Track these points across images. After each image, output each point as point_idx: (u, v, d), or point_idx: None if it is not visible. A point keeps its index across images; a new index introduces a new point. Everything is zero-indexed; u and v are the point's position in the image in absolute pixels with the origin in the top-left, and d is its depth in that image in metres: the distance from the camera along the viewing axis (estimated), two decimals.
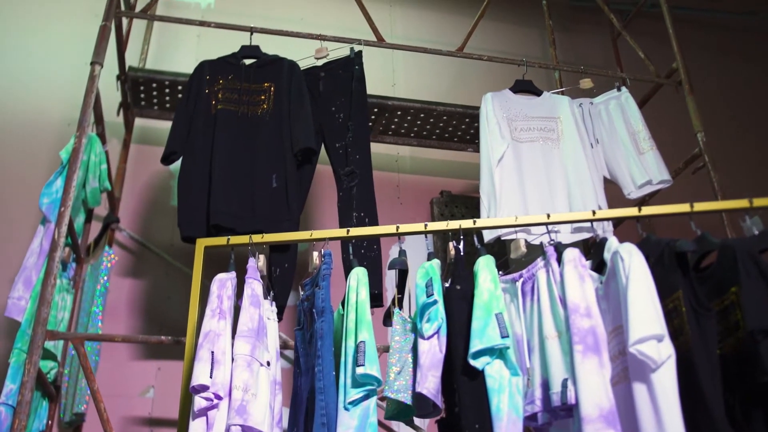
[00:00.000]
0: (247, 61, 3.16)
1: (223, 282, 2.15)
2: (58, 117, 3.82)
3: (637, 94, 3.70)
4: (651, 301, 1.94)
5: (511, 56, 3.57)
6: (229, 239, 2.38)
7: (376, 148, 4.26)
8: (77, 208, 2.93)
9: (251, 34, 3.21)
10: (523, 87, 3.46)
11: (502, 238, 3.06)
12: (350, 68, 3.15)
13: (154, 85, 3.61)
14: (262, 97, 3.02)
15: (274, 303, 2.39)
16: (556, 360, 2.02)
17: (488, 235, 2.98)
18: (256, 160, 2.88)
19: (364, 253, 2.77)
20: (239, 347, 2.02)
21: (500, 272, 2.35)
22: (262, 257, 2.34)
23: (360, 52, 3.21)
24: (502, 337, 1.92)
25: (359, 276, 2.11)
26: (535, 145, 3.28)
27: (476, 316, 1.97)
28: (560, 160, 3.26)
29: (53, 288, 2.47)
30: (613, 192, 3.34)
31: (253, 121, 2.97)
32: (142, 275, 3.71)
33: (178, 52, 4.33)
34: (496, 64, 3.72)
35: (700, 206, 2.30)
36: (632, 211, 2.31)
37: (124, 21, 3.41)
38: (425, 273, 2.09)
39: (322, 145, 3.09)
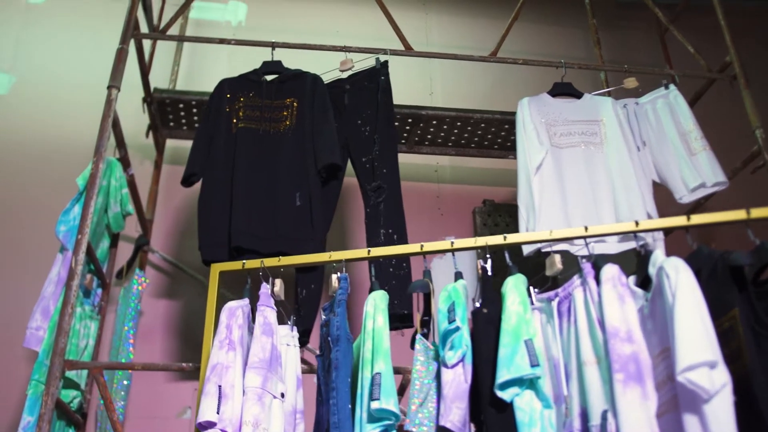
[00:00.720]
0: (270, 77, 3.05)
1: (233, 311, 2.03)
2: (83, 142, 3.79)
3: (689, 91, 3.45)
4: (701, 322, 1.73)
5: (557, 59, 3.35)
6: (244, 263, 2.26)
7: (414, 159, 4.14)
8: (100, 233, 2.87)
9: (272, 49, 3.10)
10: (563, 90, 3.25)
11: (543, 250, 2.87)
12: (376, 79, 3.01)
13: (181, 105, 3.55)
14: (285, 114, 2.91)
15: (295, 328, 2.26)
16: (596, 389, 1.82)
17: (528, 248, 2.79)
18: (278, 178, 2.76)
19: (393, 272, 2.62)
20: (250, 380, 1.90)
21: (536, 290, 2.17)
22: (278, 281, 2.21)
23: (386, 62, 3.07)
24: (532, 366, 1.73)
25: (376, 301, 1.96)
26: (576, 150, 3.08)
27: (503, 343, 1.79)
28: (604, 165, 3.04)
29: (71, 317, 2.40)
30: (665, 196, 3.11)
31: (275, 139, 2.85)
32: (176, 297, 3.65)
33: (210, 72, 4.25)
34: (537, 68, 3.53)
35: (758, 212, 2.07)
36: (679, 221, 2.09)
37: (147, 43, 3.35)
38: (447, 297, 1.93)
39: (349, 161, 2.96)
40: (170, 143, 3.85)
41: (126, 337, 3.03)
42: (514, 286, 1.90)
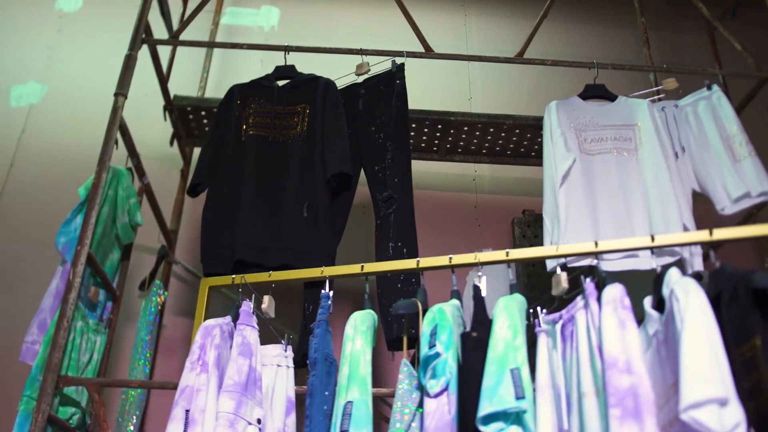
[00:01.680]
0: (282, 83, 2.95)
1: (209, 330, 1.92)
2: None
3: (740, 92, 3.18)
4: (711, 352, 1.53)
5: (609, 61, 3.10)
6: (234, 278, 2.15)
7: (451, 168, 3.97)
8: (109, 244, 2.81)
9: (285, 53, 3.00)
10: (595, 92, 3.04)
11: (570, 266, 2.66)
12: (392, 83, 2.86)
13: (203, 113, 3.49)
14: (295, 120, 2.80)
15: (289, 347, 2.13)
16: (593, 423, 1.63)
17: (551, 264, 2.58)
18: (285, 188, 2.65)
19: (401, 288, 2.46)
20: (222, 404, 1.78)
21: (544, 311, 1.99)
22: (267, 298, 2.10)
23: (402, 65, 2.92)
24: (517, 399, 1.55)
25: (356, 322, 1.82)
26: (608, 157, 2.85)
27: (488, 372, 1.62)
28: (639, 173, 2.81)
29: (66, 331, 2.33)
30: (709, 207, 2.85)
31: (285, 146, 2.75)
32: None
33: (242, 78, 4.19)
34: (583, 72, 3.29)
35: None
36: (700, 236, 1.88)
37: (164, 49, 3.29)
38: (431, 319, 1.76)
39: (362, 170, 2.82)
40: (198, 152, 3.80)
41: (141, 352, 2.97)
42: (505, 308, 1.72)
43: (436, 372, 1.68)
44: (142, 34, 2.94)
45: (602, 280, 1.80)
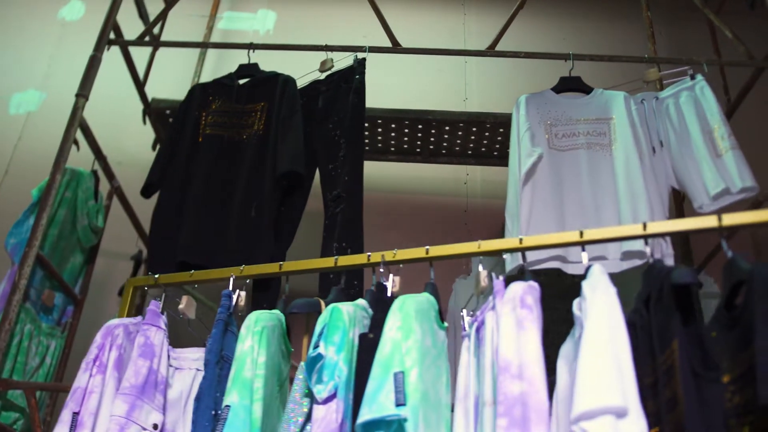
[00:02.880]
0: (244, 81, 2.89)
1: (110, 329, 1.86)
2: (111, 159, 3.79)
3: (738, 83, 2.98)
4: (610, 357, 1.39)
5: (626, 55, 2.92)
6: (157, 277, 2.10)
7: (441, 172, 3.85)
8: (70, 248, 2.80)
9: (249, 51, 2.95)
10: (569, 85, 2.88)
11: (531, 268, 2.52)
12: (352, 79, 2.77)
13: None
14: (253, 119, 2.74)
15: None
16: None
17: (511, 264, 2.44)
18: (236, 188, 2.59)
19: (345, 290, 2.36)
20: (115, 407, 1.72)
21: (471, 312, 1.87)
22: (185, 298, 2.03)
23: (363, 60, 2.82)
24: (397, 406, 1.43)
25: (250, 322, 1.73)
26: (579, 153, 2.70)
27: (372, 376, 1.50)
28: (611, 169, 2.64)
29: (7, 334, 2.31)
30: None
31: (240, 146, 2.69)
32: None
33: None
34: (594, 66, 3.12)
35: None
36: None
37: (136, 51, 3.27)
38: (323, 319, 1.66)
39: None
40: None
41: None
42: (399, 308, 1.60)
43: (323, 376, 1.58)
44: (108, 36, 2.93)
45: (514, 276, 1.66)
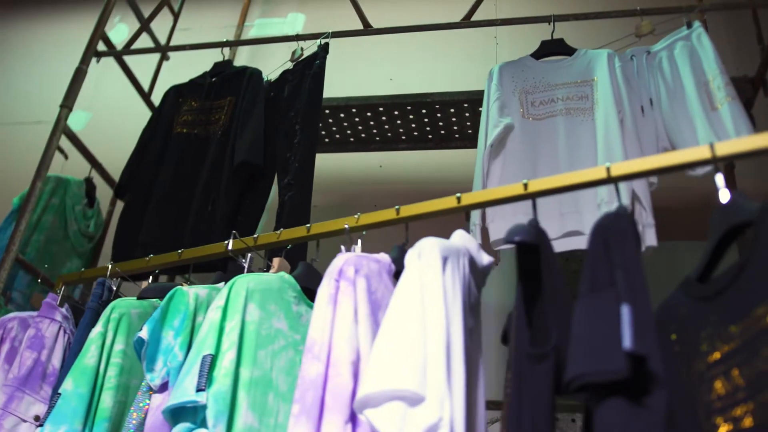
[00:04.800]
0: (215, 79, 2.88)
1: (4, 323, 1.88)
2: None
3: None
4: (410, 336, 1.19)
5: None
6: (83, 271, 2.10)
7: (454, 158, 3.64)
8: (63, 253, 2.89)
9: (222, 49, 2.93)
10: (550, 49, 2.62)
11: (497, 248, 2.31)
12: (314, 65, 2.68)
13: None
14: (219, 115, 2.71)
15: None
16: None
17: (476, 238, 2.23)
18: (197, 183, 2.57)
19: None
20: None
21: None
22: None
23: (326, 45, 2.72)
24: (198, 391, 1.31)
25: (107, 310, 1.67)
26: (556, 120, 2.44)
27: (187, 359, 1.40)
28: (592, 135, 2.37)
29: None
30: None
31: (206, 141, 2.67)
32: None
33: None
34: (576, 28, 2.83)
35: None
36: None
37: (140, 59, 3.36)
38: (163, 302, 1.57)
39: None
40: None
41: None
42: (229, 287, 1.48)
43: (157, 362, 1.49)
44: (95, 47, 3.02)
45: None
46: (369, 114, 3.28)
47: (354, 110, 3.24)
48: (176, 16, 3.65)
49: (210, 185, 2.54)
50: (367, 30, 2.81)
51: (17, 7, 5.10)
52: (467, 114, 3.21)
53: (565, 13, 2.64)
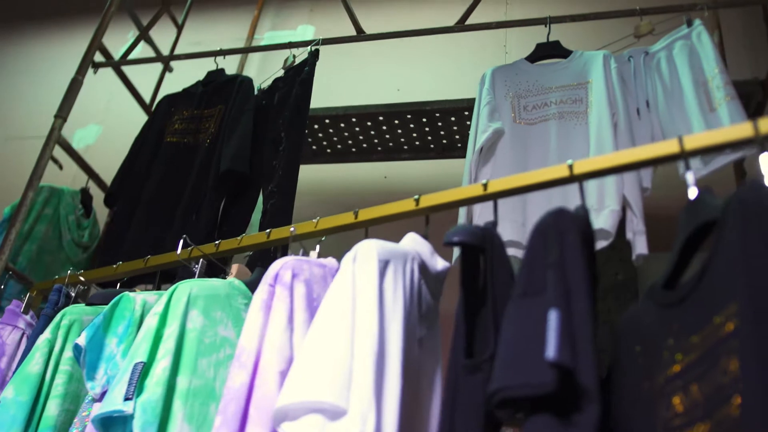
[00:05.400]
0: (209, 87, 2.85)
1: None
2: None
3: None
4: (336, 344, 1.11)
5: None
6: (56, 279, 2.07)
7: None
8: (58, 263, 2.87)
9: (215, 58, 2.90)
10: (545, 52, 2.52)
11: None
12: (302, 72, 2.63)
13: None
14: (208, 123, 2.68)
15: None
16: None
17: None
18: (183, 193, 2.53)
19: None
20: None
21: None
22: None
23: (316, 51, 2.67)
24: (125, 400, 1.25)
25: (57, 317, 1.62)
26: (548, 124, 2.34)
27: (121, 367, 1.33)
28: (585, 139, 2.26)
29: None
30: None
31: (194, 150, 2.63)
32: None
33: None
34: (574, 30, 2.74)
35: None
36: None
37: (147, 73, 3.35)
38: (108, 308, 1.51)
39: None
40: None
41: None
42: (170, 293, 1.41)
43: (98, 371, 1.43)
44: (92, 58, 3.01)
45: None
46: (369, 123, 3.22)
47: (354, 119, 3.18)
48: (179, 28, 3.65)
49: (195, 194, 2.50)
50: (360, 36, 2.75)
51: (19, 22, 5.18)
52: (468, 122, 3.11)
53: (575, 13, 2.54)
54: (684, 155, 1.24)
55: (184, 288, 1.42)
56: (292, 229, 1.57)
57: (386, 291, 1.19)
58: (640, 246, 2.02)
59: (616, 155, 1.29)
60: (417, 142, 3.34)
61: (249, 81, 2.72)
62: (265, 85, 2.79)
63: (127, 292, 1.54)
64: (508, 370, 0.91)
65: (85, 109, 4.41)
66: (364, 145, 3.39)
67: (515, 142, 2.33)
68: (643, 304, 1.26)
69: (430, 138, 3.30)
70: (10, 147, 4.37)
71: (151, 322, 1.36)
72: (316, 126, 3.23)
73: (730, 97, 2.09)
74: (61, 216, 2.88)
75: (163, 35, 3.80)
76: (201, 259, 1.68)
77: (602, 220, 2.03)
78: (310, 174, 3.67)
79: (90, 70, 3.01)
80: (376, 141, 3.34)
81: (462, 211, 2.27)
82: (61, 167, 2.84)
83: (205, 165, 2.54)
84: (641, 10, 2.45)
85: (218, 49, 3.06)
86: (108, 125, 4.37)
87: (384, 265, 1.21)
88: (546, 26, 2.55)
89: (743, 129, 1.19)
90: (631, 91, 2.31)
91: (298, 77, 2.63)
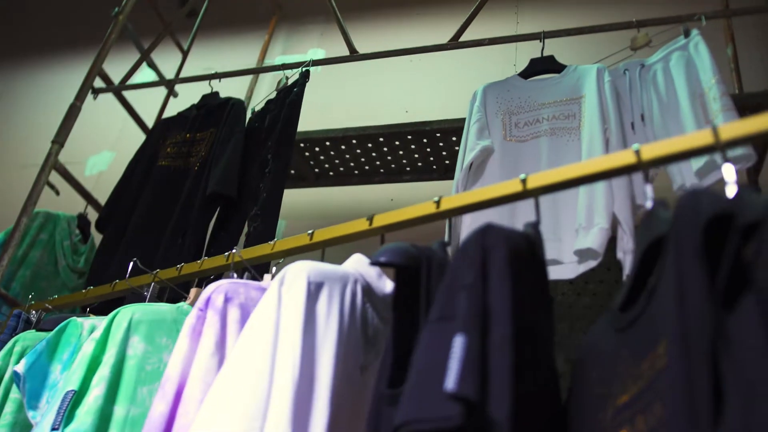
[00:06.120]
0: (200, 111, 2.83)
1: None
2: None
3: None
4: (249, 372, 1.05)
5: None
6: (34, 303, 2.04)
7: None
8: (54, 288, 2.86)
9: (210, 81, 2.88)
10: (539, 67, 2.44)
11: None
12: (292, 93, 2.59)
13: None
14: (199, 147, 2.65)
15: None
16: None
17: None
18: (172, 217, 2.50)
19: None
20: None
21: None
22: None
23: (307, 72, 2.63)
24: (52, 430, 1.19)
25: (9, 342, 1.58)
26: (540, 141, 2.26)
27: (54, 396, 1.28)
28: (578, 155, 2.17)
29: None
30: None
31: (185, 175, 2.61)
32: None
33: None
34: (571, 44, 2.66)
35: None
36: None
37: (152, 96, 3.36)
38: (54, 333, 1.47)
39: None
40: None
41: None
42: (110, 318, 1.36)
43: (41, 399, 1.38)
44: (92, 83, 3.02)
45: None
46: (370, 145, 3.16)
47: (354, 141, 3.13)
48: (185, 53, 3.65)
49: (183, 218, 2.46)
50: (353, 56, 2.71)
51: (23, 51, 5.29)
52: None
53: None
54: (641, 166, 1.15)
55: (125, 313, 1.37)
56: (234, 250, 1.52)
57: (318, 315, 1.11)
58: (629, 266, 1.92)
59: (568, 168, 1.21)
60: (419, 163, 3.27)
61: (240, 103, 2.70)
62: (259, 107, 2.76)
63: (75, 318, 1.49)
64: (412, 402, 0.83)
65: (99, 135, 4.47)
66: (367, 167, 3.33)
67: (505, 160, 2.25)
68: (600, 328, 1.17)
69: (432, 159, 3.23)
70: (11, 174, 4.42)
71: (87, 348, 1.30)
72: (317, 149, 3.19)
73: (727, 108, 1.98)
74: (56, 241, 2.87)
75: (172, 62, 3.82)
76: (153, 284, 1.63)
77: (590, 239, 1.93)
78: (314, 197, 3.64)
79: (90, 96, 3.02)
80: (378, 163, 3.29)
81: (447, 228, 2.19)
82: (57, 193, 2.84)
83: (193, 189, 2.51)
84: (638, 22, 2.35)
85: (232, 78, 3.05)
86: (121, 151, 4.39)
87: (316, 288, 1.14)
88: (540, 41, 2.47)
89: (702, 136, 1.10)
90: (626, 105, 2.22)
91: (287, 99, 2.59)
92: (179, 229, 2.43)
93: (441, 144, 3.10)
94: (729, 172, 1.05)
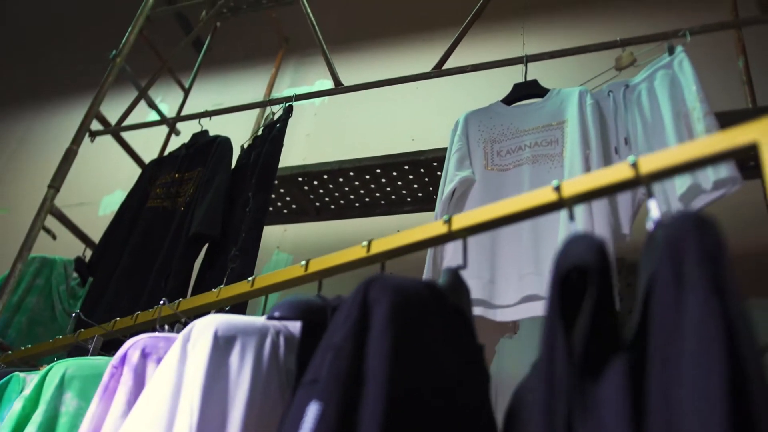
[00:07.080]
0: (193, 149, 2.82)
1: None
2: None
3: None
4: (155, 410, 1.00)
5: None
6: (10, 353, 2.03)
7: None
8: (51, 333, 2.86)
9: (199, 120, 2.88)
10: (522, 92, 2.37)
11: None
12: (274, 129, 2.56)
13: None
14: (187, 187, 2.64)
15: None
16: None
17: None
18: (157, 259, 2.48)
19: None
20: None
21: None
22: None
23: (290, 107, 2.60)
24: None
25: None
26: (522, 170, 2.17)
27: None
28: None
29: None
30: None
31: (172, 215, 2.59)
32: None
33: (288, 155, 4.15)
34: (557, 67, 2.60)
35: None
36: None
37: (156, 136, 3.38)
38: None
39: None
40: None
41: None
42: (42, 375, 1.32)
43: None
44: (89, 127, 3.05)
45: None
46: (368, 177, 3.11)
47: (352, 173, 3.09)
48: (186, 92, 3.67)
49: (168, 260, 2.44)
50: (338, 89, 2.67)
51: (21, 97, 5.41)
52: None
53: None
54: (563, 204, 1.07)
55: (58, 368, 1.33)
56: (163, 301, 1.48)
57: (231, 367, 1.06)
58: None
59: (486, 209, 1.13)
60: (419, 194, 3.21)
61: (226, 141, 2.68)
62: (247, 144, 2.74)
63: (17, 372, 1.46)
64: None
65: (113, 175, 4.52)
66: (367, 199, 3.28)
67: (486, 190, 2.17)
68: (530, 378, 1.09)
69: (431, 188, 3.16)
70: (7, 219, 4.50)
71: (16, 406, 1.27)
72: (315, 182, 3.16)
73: (711, 127, 1.87)
74: (52, 286, 2.88)
75: (178, 99, 3.84)
76: (96, 336, 1.59)
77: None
78: (315, 231, 3.59)
79: (87, 139, 3.05)
80: (378, 194, 3.23)
81: (428, 260, 2.12)
82: (54, 237, 2.85)
83: (178, 230, 2.49)
84: (621, 41, 2.26)
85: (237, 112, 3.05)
86: None
87: (227, 342, 1.08)
88: (523, 64, 2.39)
89: (621, 170, 1.02)
90: (610, 128, 2.12)
91: (270, 134, 2.56)
92: (163, 271, 2.41)
93: (438, 173, 3.03)
94: (653, 208, 0.98)
